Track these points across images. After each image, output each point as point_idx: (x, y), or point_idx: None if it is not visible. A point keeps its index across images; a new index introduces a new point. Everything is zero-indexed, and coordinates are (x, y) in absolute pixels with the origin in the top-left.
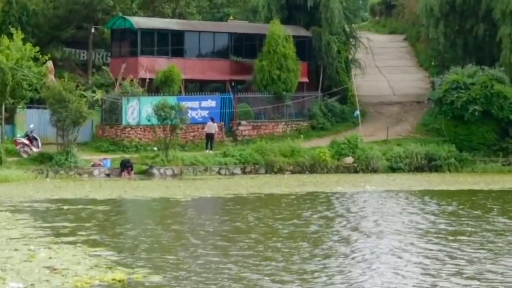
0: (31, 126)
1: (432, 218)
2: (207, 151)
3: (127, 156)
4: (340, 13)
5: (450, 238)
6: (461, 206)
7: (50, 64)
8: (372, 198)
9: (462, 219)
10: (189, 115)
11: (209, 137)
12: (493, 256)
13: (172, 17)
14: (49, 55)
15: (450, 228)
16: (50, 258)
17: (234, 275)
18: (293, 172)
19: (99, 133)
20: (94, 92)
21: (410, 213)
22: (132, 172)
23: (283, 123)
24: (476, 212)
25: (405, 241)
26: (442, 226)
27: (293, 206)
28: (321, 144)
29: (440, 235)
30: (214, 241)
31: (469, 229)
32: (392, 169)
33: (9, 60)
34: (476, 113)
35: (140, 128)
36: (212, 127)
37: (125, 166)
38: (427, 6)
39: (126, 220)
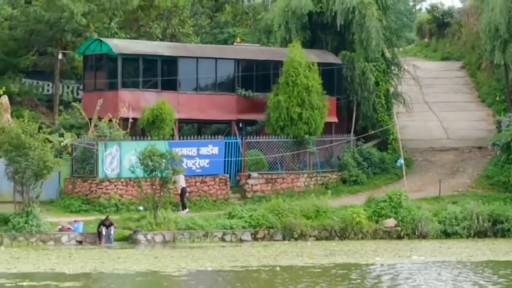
0: None
1: None
2: (184, 211)
3: (103, 218)
4: (378, 34)
5: None
6: None
7: (5, 99)
8: (420, 272)
9: None
10: (184, 165)
11: (184, 192)
12: None
13: (162, 40)
14: (3, 89)
15: None
16: None
17: None
18: (318, 239)
19: (69, 189)
20: (62, 135)
21: None
22: (112, 234)
23: (306, 175)
24: None
25: None
26: None
27: (318, 284)
28: (354, 202)
29: None
30: None
31: None
32: (446, 234)
33: None
34: None
35: (121, 182)
36: (183, 179)
37: (102, 226)
38: (490, 25)
39: None
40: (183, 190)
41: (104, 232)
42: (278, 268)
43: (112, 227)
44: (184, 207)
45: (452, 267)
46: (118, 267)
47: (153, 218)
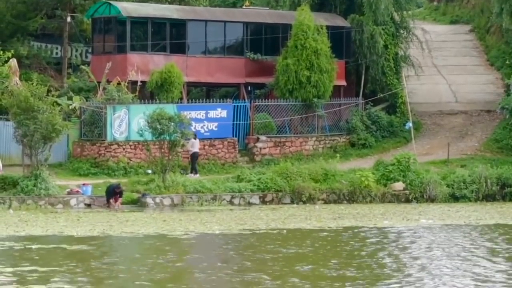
0: None
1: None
2: (192, 175)
3: (113, 181)
4: None
5: None
6: None
7: (14, 62)
8: (429, 235)
9: None
10: (193, 128)
11: (195, 157)
12: None
13: (171, 3)
14: (12, 52)
15: None
16: None
17: None
18: (326, 202)
19: (77, 152)
20: (70, 99)
21: (477, 257)
22: (120, 200)
23: (314, 138)
24: None
25: None
26: None
27: (325, 247)
28: (363, 165)
29: None
30: None
31: None
32: (455, 198)
33: None
34: None
35: (130, 145)
36: (196, 144)
37: (113, 193)
38: None
39: (110, 264)
40: (195, 155)
41: (112, 201)
42: (285, 232)
43: (120, 198)
44: (196, 172)
45: (460, 229)
46: (126, 230)
47: (162, 181)
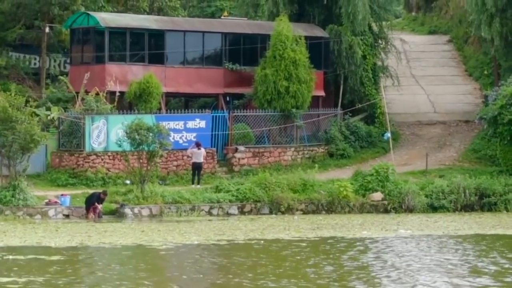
0: None
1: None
2: (193, 185)
3: (91, 191)
4: (365, 7)
5: None
6: None
7: None
8: (408, 245)
9: None
10: (171, 138)
11: (197, 167)
12: None
13: (149, 13)
14: None
15: None
16: None
17: None
18: (305, 212)
19: (56, 162)
20: (49, 109)
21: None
22: (100, 208)
23: (293, 149)
24: None
25: None
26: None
27: (303, 258)
28: (341, 176)
29: None
30: None
31: None
32: (433, 208)
33: None
34: None
35: (108, 156)
36: (200, 155)
37: (95, 201)
38: None
39: (89, 275)
40: (195, 165)
41: (91, 212)
42: (263, 242)
43: (101, 205)
44: (198, 182)
45: (437, 239)
46: (105, 241)
47: (140, 191)
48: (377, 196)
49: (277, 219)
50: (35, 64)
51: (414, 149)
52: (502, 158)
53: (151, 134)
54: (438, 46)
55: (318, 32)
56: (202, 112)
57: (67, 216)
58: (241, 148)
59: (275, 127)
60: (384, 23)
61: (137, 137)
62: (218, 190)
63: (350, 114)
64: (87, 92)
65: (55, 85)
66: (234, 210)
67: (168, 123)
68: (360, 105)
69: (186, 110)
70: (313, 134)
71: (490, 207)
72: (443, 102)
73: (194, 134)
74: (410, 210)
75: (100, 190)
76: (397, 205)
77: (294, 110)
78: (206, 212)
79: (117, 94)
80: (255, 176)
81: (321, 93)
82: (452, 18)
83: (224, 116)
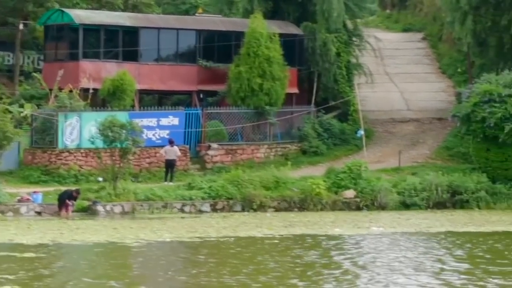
0: None
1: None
2: (166, 182)
3: (63, 188)
4: (340, 5)
5: None
6: (491, 256)
7: None
8: (380, 243)
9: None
10: (144, 136)
11: (169, 165)
12: None
13: (124, 10)
14: None
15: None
16: None
17: None
18: (278, 210)
19: (28, 159)
20: (22, 106)
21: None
22: (72, 207)
23: (266, 146)
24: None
25: None
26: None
27: (276, 255)
28: (314, 173)
29: None
30: None
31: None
32: (405, 206)
33: None
34: None
35: (81, 153)
36: (172, 152)
37: (68, 198)
38: None
39: (61, 272)
40: (168, 162)
41: (64, 210)
42: (232, 240)
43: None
44: (171, 179)
45: (409, 237)
46: (77, 238)
47: (113, 189)
48: (350, 193)
49: (250, 216)
50: (8, 61)
51: (387, 146)
52: (474, 156)
53: (124, 131)
54: (412, 43)
55: (292, 29)
56: (175, 109)
57: (39, 213)
58: (214, 145)
59: (249, 124)
60: (358, 20)
61: (110, 134)
62: (190, 188)
63: (324, 112)
64: (60, 89)
65: (29, 82)
66: (206, 207)
67: (142, 120)
68: (333, 103)
69: (160, 107)
70: (287, 132)
71: (462, 205)
72: (416, 99)
73: (167, 131)
74: (383, 207)
75: (73, 187)
76: (369, 202)
77: (267, 107)
78: (178, 209)
79: (91, 91)
80: (227, 173)
81: (295, 90)
82: (426, 15)
83: (197, 113)
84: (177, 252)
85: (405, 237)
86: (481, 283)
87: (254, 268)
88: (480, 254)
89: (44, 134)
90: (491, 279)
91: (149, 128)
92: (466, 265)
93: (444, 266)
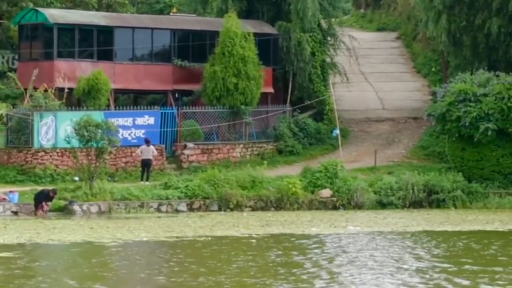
0: None
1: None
2: (142, 182)
3: (39, 188)
4: (314, 4)
5: None
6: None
7: None
8: (356, 242)
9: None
10: (120, 135)
11: (146, 164)
12: None
13: (98, 10)
14: None
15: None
16: None
17: None
18: (254, 209)
19: (4, 159)
20: None
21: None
22: (48, 206)
23: (242, 145)
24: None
25: None
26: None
27: (252, 254)
28: (290, 172)
29: None
30: None
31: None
32: (382, 205)
33: None
34: (489, 133)
35: (57, 152)
36: (148, 152)
37: (44, 199)
38: None
39: (37, 272)
40: (144, 162)
41: (46, 205)
42: (210, 239)
43: (50, 203)
44: (147, 179)
45: (385, 236)
46: (54, 238)
47: (89, 188)
48: (326, 193)
49: (226, 216)
50: None
51: (363, 145)
52: (450, 155)
53: (99, 130)
54: (387, 43)
55: (267, 28)
56: (151, 109)
57: (15, 213)
58: (190, 144)
59: (224, 123)
60: (333, 20)
61: (85, 133)
62: (167, 187)
63: (299, 111)
64: (35, 89)
65: (4, 81)
66: (183, 207)
67: (117, 120)
68: (309, 102)
69: (135, 106)
70: (262, 131)
71: (439, 204)
72: (391, 98)
73: (143, 131)
74: (359, 206)
75: (49, 187)
76: (346, 201)
77: (243, 106)
78: (155, 209)
79: (66, 90)
80: (204, 172)
81: (270, 89)
82: (401, 15)
83: (173, 112)
84: (155, 251)
85: (381, 236)
86: (458, 280)
87: (231, 268)
88: (458, 253)
89: (20, 134)
90: (464, 277)
91: (125, 127)
92: (444, 264)
93: (420, 265)
